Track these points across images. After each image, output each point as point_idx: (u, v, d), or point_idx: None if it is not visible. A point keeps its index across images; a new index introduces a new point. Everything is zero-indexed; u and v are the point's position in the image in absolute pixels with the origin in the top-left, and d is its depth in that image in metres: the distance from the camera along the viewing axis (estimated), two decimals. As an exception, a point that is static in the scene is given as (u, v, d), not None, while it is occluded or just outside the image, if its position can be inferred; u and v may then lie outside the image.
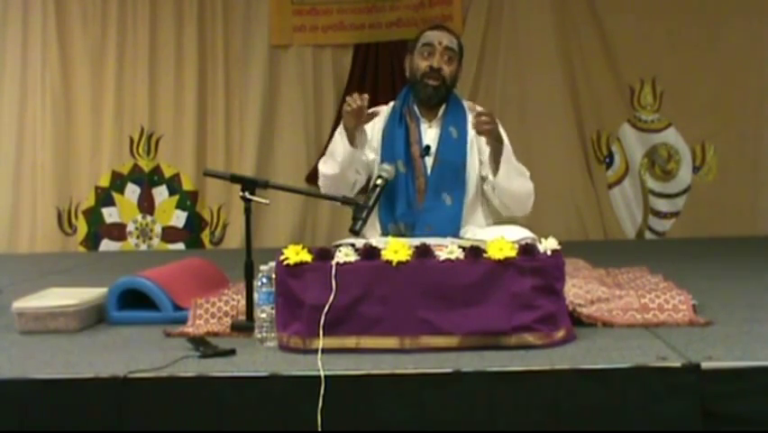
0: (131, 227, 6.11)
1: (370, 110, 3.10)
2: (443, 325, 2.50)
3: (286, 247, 2.62)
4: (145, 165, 6.10)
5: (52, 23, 6.05)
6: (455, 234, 2.97)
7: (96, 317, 3.11)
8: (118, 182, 6.10)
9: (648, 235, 5.86)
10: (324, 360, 2.36)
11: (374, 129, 3.21)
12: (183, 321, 2.96)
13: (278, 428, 2.30)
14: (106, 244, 6.09)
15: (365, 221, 2.82)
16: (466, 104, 3.27)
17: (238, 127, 6.09)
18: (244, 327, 2.80)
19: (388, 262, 2.52)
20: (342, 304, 2.51)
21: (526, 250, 2.55)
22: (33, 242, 6.08)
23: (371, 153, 3.16)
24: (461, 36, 3.39)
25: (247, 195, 2.86)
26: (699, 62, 5.75)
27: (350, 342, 2.52)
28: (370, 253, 2.56)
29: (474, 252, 2.53)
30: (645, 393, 2.27)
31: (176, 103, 6.07)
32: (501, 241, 2.55)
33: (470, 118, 3.19)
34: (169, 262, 3.51)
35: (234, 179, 3.00)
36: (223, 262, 3.81)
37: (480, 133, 2.96)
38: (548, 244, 2.59)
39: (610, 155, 5.90)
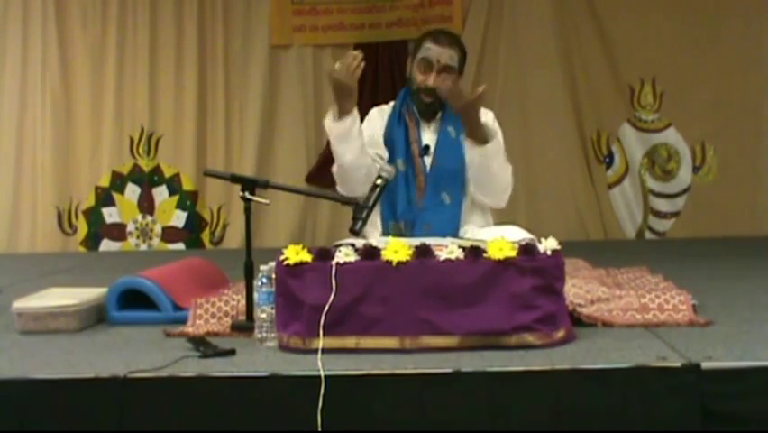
0: (131, 227, 6.12)
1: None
2: (443, 325, 2.50)
3: (286, 247, 2.61)
4: (145, 165, 6.11)
5: (52, 23, 6.06)
6: (454, 234, 2.98)
7: (95, 317, 3.10)
8: (118, 182, 6.11)
9: (648, 235, 5.86)
10: (324, 360, 2.36)
11: (377, 127, 3.21)
12: (183, 321, 2.96)
13: (278, 428, 2.30)
14: (106, 244, 6.09)
15: (365, 221, 2.82)
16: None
17: (238, 127, 6.09)
18: (244, 327, 2.80)
19: (388, 262, 2.52)
20: (342, 304, 2.51)
21: (526, 250, 2.55)
22: (33, 242, 6.08)
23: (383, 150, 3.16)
24: (460, 35, 3.39)
25: (247, 195, 2.86)
26: (699, 62, 5.75)
27: (350, 342, 2.52)
28: (370, 253, 2.56)
29: (474, 252, 2.53)
30: (645, 393, 2.26)
31: (176, 103, 6.07)
32: (501, 241, 2.55)
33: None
34: (169, 262, 3.51)
35: (234, 179, 3.00)
36: (223, 262, 3.81)
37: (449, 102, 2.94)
38: (548, 244, 2.59)
39: (610, 155, 5.90)
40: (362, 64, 2.96)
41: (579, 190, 5.86)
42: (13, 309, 3.01)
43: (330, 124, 3.00)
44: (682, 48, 5.76)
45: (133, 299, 3.12)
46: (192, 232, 6.09)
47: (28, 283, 4.01)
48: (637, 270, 3.74)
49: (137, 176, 6.11)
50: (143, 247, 6.10)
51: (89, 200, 6.11)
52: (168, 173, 6.11)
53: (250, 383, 2.34)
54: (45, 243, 6.07)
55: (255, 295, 2.72)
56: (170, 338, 2.82)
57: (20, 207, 6.10)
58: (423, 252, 2.55)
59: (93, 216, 6.10)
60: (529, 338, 2.51)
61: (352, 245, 2.62)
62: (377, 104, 3.39)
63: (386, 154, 3.13)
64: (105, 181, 6.11)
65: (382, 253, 2.54)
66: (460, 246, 2.56)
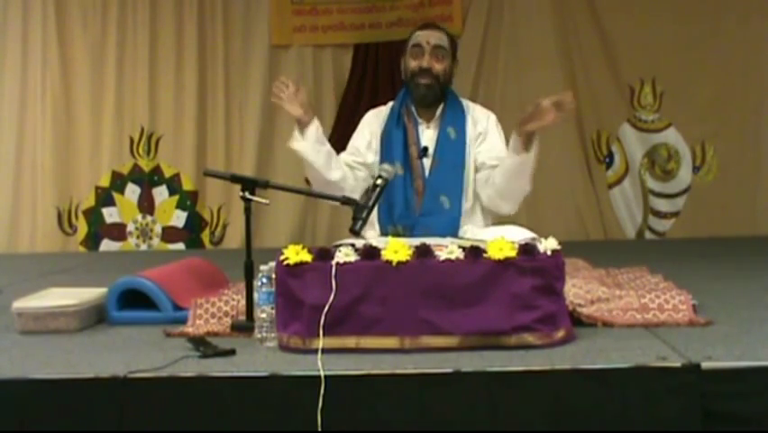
0: (131, 227, 6.11)
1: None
2: (443, 325, 2.50)
3: (286, 247, 2.62)
4: (145, 165, 6.11)
5: (52, 22, 6.06)
6: (454, 237, 2.97)
7: (95, 317, 3.10)
8: (118, 182, 6.11)
9: (648, 235, 5.86)
10: (324, 360, 2.36)
11: (372, 131, 3.22)
12: (183, 321, 2.96)
13: (278, 428, 2.30)
14: (106, 244, 6.09)
15: (365, 221, 2.82)
16: (465, 102, 3.27)
17: (238, 127, 6.09)
18: (244, 326, 2.80)
19: (388, 262, 2.52)
20: (342, 304, 2.51)
21: (526, 250, 2.55)
22: (33, 242, 6.08)
23: (371, 155, 3.17)
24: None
25: (247, 195, 2.86)
26: (699, 62, 5.75)
27: (350, 342, 2.52)
28: (370, 253, 2.56)
29: (474, 252, 2.53)
30: (645, 393, 2.26)
31: (176, 103, 6.07)
32: (501, 241, 2.55)
33: (469, 118, 3.20)
34: (169, 262, 3.51)
35: (234, 179, 3.00)
36: (223, 262, 3.81)
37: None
38: (548, 244, 2.59)
39: (610, 155, 5.90)
40: (289, 84, 3.02)
41: (579, 190, 5.86)
42: (13, 309, 3.01)
43: (293, 143, 3.10)
44: (682, 48, 5.76)
45: (133, 299, 3.12)
46: (192, 232, 6.09)
47: (28, 283, 4.00)
48: (637, 270, 3.74)
49: (137, 176, 6.11)
50: (143, 247, 6.10)
51: (89, 200, 6.11)
52: (168, 173, 6.11)
53: (250, 383, 2.34)
54: (45, 243, 6.07)
55: (255, 295, 2.72)
56: (170, 338, 2.82)
57: (20, 207, 6.10)
58: (423, 252, 2.55)
59: (93, 216, 6.10)
60: (529, 338, 2.51)
61: (352, 245, 2.62)
62: (377, 104, 3.39)
63: (368, 160, 3.15)
64: (105, 181, 6.11)
65: (382, 253, 2.54)
66: (460, 246, 2.56)
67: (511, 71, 5.89)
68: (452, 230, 3.04)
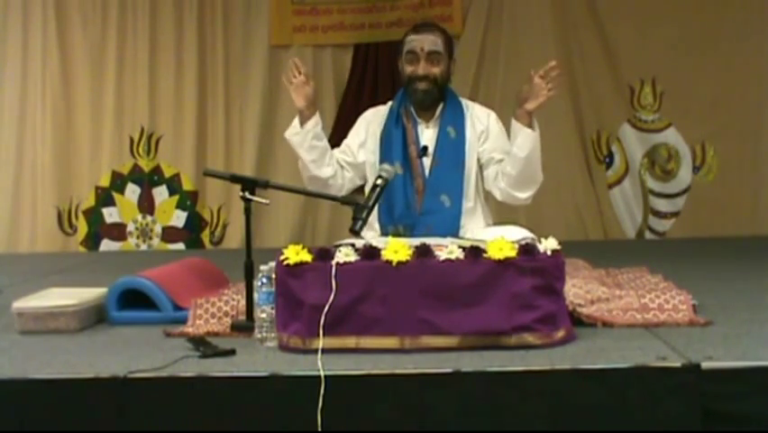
0: (131, 227, 6.11)
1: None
2: (442, 325, 2.50)
3: (286, 247, 2.62)
4: (145, 165, 6.10)
5: (52, 24, 6.05)
6: (455, 236, 2.97)
7: (95, 317, 3.10)
8: (118, 182, 6.10)
9: (648, 235, 5.86)
10: (324, 360, 2.36)
11: (369, 131, 3.22)
12: (183, 321, 2.96)
13: (278, 428, 2.30)
14: (106, 244, 6.09)
15: (365, 221, 2.82)
16: (465, 102, 3.27)
17: (238, 127, 6.08)
18: (244, 326, 2.80)
19: (388, 262, 2.52)
20: (342, 304, 2.51)
21: (526, 250, 2.55)
22: (33, 242, 6.08)
23: (362, 155, 3.18)
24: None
25: (247, 195, 2.86)
26: (699, 62, 5.75)
27: (350, 342, 2.52)
28: (370, 253, 2.56)
29: (474, 252, 2.53)
30: (645, 393, 2.27)
31: (176, 103, 6.06)
32: (501, 241, 2.55)
33: (468, 118, 3.21)
34: (169, 262, 3.51)
35: (234, 179, 3.00)
36: (223, 262, 3.81)
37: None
38: (548, 244, 2.59)
39: (610, 155, 5.90)
40: (302, 71, 3.11)
41: (579, 190, 5.85)
42: (13, 309, 3.01)
43: (289, 132, 3.16)
44: (682, 48, 5.75)
45: (133, 299, 3.12)
46: (192, 232, 6.09)
47: (28, 283, 4.01)
48: (637, 270, 3.74)
49: (137, 176, 6.11)
50: (143, 247, 6.10)
51: (89, 200, 6.10)
52: (168, 173, 6.10)
53: (250, 383, 2.34)
54: (45, 243, 6.06)
55: (255, 295, 2.72)
56: (170, 338, 2.83)
57: (20, 207, 6.09)
58: (423, 252, 2.55)
59: (93, 216, 6.10)
60: (529, 338, 2.51)
61: (352, 245, 2.62)
62: (376, 104, 3.39)
63: (357, 160, 3.16)
64: (105, 181, 6.10)
65: (382, 252, 2.54)
66: (460, 246, 2.56)
67: (511, 71, 5.88)
68: (453, 229, 3.04)
